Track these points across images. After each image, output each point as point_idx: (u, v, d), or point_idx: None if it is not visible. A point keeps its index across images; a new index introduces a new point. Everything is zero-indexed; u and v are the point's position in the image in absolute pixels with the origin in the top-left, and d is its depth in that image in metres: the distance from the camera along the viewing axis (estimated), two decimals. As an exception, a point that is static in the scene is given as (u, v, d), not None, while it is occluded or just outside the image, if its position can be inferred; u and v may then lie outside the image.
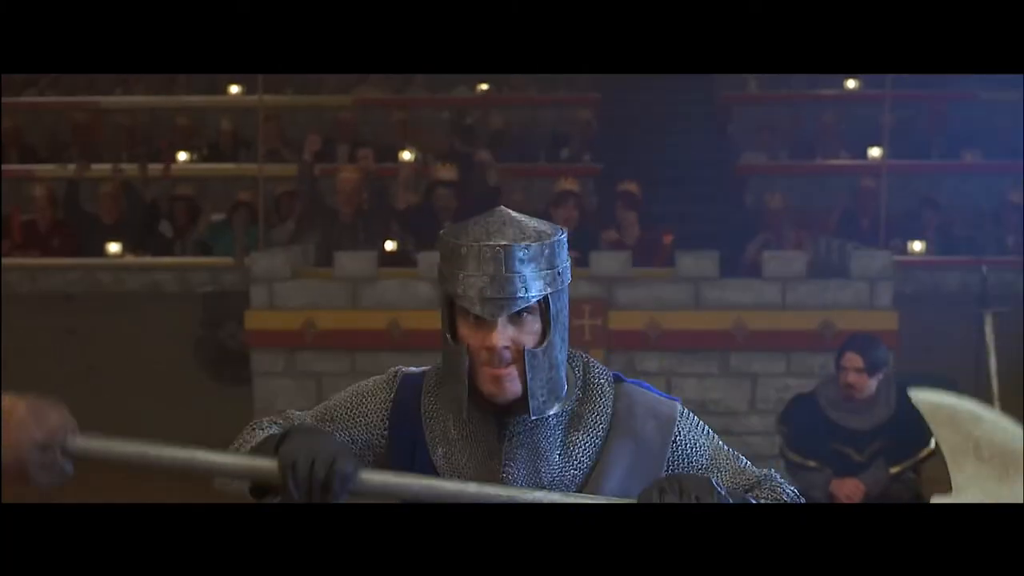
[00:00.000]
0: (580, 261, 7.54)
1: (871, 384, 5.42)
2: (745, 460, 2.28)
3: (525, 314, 2.12)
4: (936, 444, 2.40)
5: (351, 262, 7.76)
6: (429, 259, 7.58)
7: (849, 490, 5.30)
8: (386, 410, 2.27)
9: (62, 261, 9.13)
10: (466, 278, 2.10)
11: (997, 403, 8.27)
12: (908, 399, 5.52)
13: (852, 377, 5.41)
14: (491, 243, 2.09)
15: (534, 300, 2.11)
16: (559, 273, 2.14)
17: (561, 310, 2.16)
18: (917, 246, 9.25)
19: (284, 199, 9.52)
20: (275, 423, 2.30)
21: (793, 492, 2.23)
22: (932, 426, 2.22)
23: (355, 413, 2.28)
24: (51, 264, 9.09)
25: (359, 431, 2.27)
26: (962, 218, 10.07)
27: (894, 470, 5.49)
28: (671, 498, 1.99)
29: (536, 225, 2.16)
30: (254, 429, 2.28)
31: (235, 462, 2.12)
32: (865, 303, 7.65)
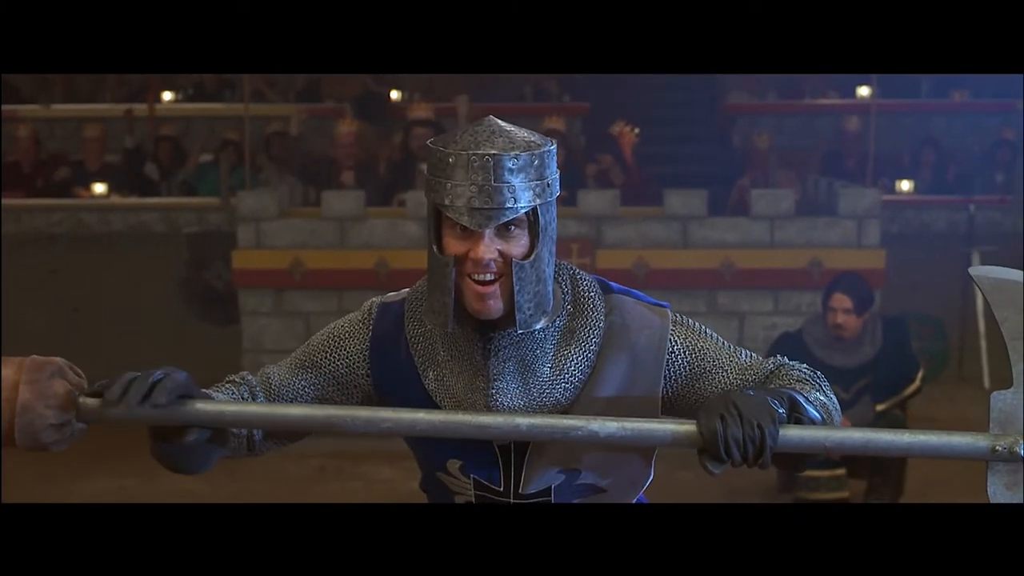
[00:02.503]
0: (567, 200, 7.51)
1: (859, 323, 5.45)
2: (747, 353, 2.24)
3: (512, 227, 2.07)
4: (999, 326, 2.00)
5: (339, 201, 7.73)
6: (416, 198, 7.55)
7: (835, 428, 5.32)
8: (365, 349, 2.24)
9: (46, 202, 9.07)
10: (454, 187, 2.04)
11: (983, 343, 8.32)
12: (894, 337, 5.64)
13: (841, 317, 5.43)
14: (480, 152, 2.04)
15: (523, 211, 2.06)
16: (548, 184, 2.09)
17: (550, 222, 2.12)
18: (905, 185, 9.24)
19: (275, 140, 9.46)
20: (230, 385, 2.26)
21: (810, 370, 2.21)
22: (993, 307, 1.98)
23: (334, 356, 2.25)
24: (35, 205, 9.02)
25: (342, 373, 2.25)
26: (951, 157, 10.06)
27: (880, 407, 5.52)
28: (734, 430, 1.93)
29: (526, 135, 2.12)
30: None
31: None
32: (853, 242, 7.65)
